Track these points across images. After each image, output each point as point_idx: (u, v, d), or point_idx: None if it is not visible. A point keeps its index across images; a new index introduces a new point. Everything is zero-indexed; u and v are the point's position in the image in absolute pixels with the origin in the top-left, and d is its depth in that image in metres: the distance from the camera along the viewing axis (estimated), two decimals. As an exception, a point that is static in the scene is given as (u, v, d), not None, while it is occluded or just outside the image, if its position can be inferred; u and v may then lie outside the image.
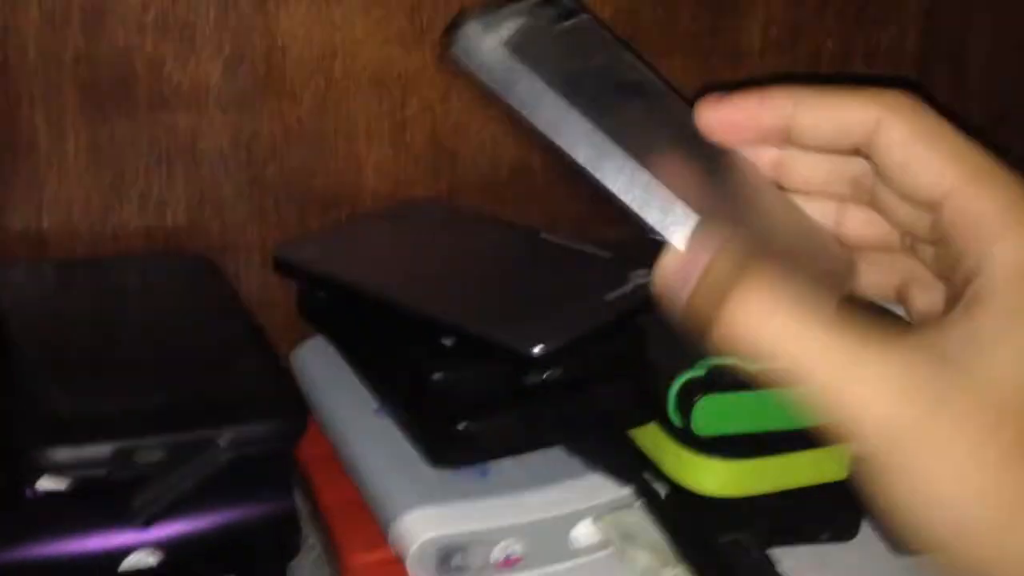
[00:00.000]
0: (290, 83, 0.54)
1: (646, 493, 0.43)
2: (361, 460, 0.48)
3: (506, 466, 0.46)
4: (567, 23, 0.29)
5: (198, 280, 0.50)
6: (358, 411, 0.50)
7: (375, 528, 0.45)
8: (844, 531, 0.50)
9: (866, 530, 0.51)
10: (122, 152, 0.52)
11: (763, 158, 0.31)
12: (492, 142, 0.58)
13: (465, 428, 0.44)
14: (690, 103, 0.30)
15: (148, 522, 0.38)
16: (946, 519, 0.25)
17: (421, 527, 0.43)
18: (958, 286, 0.27)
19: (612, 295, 0.47)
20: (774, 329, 0.26)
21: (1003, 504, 0.25)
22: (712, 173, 0.30)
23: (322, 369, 0.53)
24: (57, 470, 0.37)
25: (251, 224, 0.55)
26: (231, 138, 0.54)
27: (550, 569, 0.46)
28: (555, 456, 0.46)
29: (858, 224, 0.31)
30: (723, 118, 0.30)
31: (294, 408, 0.41)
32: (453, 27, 0.27)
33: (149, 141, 0.52)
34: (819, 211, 0.31)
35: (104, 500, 0.38)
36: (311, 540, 0.48)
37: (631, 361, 0.48)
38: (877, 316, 0.27)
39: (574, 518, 0.45)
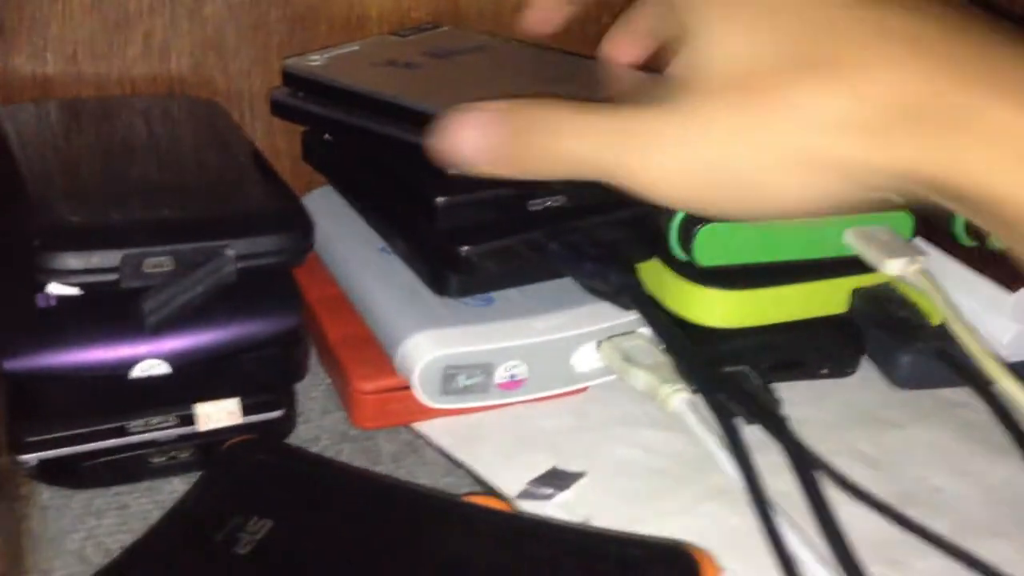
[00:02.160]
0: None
1: (649, 314, 0.44)
2: (367, 294, 0.49)
3: (510, 294, 0.47)
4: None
5: (205, 119, 0.50)
6: (364, 251, 0.51)
7: (382, 358, 0.46)
8: (843, 366, 0.51)
9: (865, 366, 0.52)
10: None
11: None
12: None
13: (468, 254, 0.44)
14: None
15: (156, 328, 0.39)
16: None
17: (425, 348, 0.44)
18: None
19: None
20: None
21: None
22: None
23: (329, 216, 0.53)
24: (68, 275, 0.38)
25: (255, 70, 0.55)
26: (234, -19, 0.54)
27: (553, 392, 0.47)
28: (558, 285, 0.47)
29: None
30: None
31: (302, 223, 0.42)
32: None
33: (152, -18, 0.52)
34: None
35: (114, 309, 0.39)
36: (321, 375, 0.49)
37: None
38: None
39: (576, 341, 0.46)
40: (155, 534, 0.36)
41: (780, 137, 0.30)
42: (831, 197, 0.31)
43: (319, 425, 0.47)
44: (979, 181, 0.28)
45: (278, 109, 0.50)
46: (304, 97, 0.49)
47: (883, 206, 0.46)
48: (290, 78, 0.49)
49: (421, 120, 0.39)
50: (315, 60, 0.50)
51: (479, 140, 0.35)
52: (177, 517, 0.37)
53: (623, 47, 0.46)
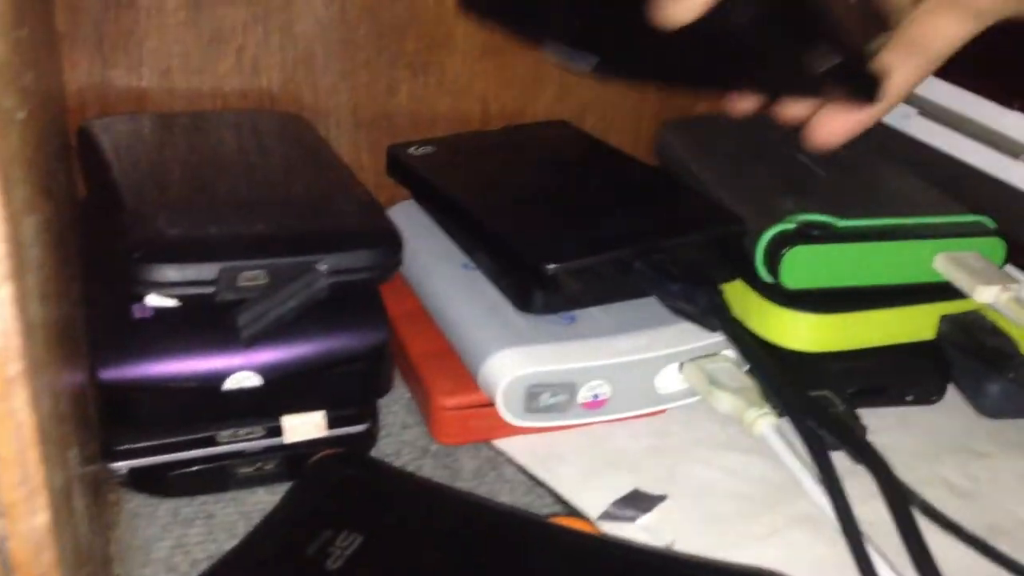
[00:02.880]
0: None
1: (736, 336, 0.44)
2: (450, 310, 0.49)
3: (594, 313, 0.47)
4: None
5: (294, 134, 0.51)
6: (447, 267, 0.51)
7: (464, 374, 0.46)
8: (929, 393, 0.50)
9: (951, 393, 0.51)
10: (220, 9, 0.53)
11: None
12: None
13: (554, 271, 0.44)
14: None
15: (250, 341, 0.39)
16: None
17: (510, 366, 0.44)
18: None
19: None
20: None
21: None
22: None
23: (411, 231, 0.54)
24: (165, 287, 0.39)
25: (343, 85, 0.56)
26: (325, -1, 0.54)
27: (636, 412, 0.47)
28: (642, 305, 0.47)
29: None
30: None
31: (391, 240, 0.42)
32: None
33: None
34: None
35: (209, 322, 0.40)
36: (401, 390, 0.50)
37: (721, 215, 0.49)
38: None
39: (660, 362, 0.46)
40: (248, 546, 0.37)
41: None
42: None
43: (400, 439, 0.47)
44: None
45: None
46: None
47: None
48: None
49: None
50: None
51: None
52: (269, 529, 0.37)
53: None
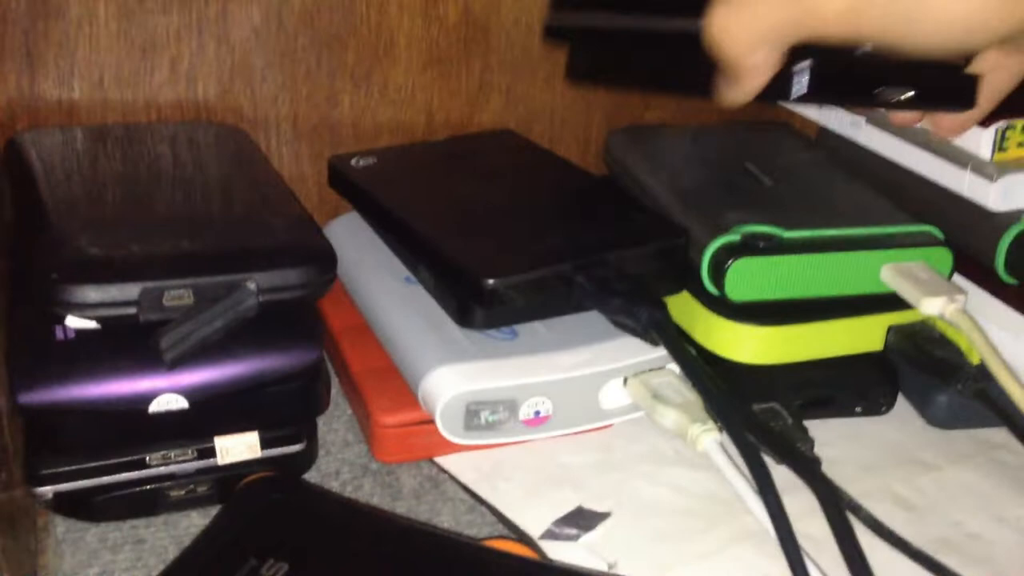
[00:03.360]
0: (322, -49, 0.53)
1: (677, 351, 0.43)
2: (391, 325, 0.48)
3: (535, 328, 0.46)
4: None
5: (229, 146, 0.50)
6: (389, 280, 0.50)
7: (405, 391, 0.46)
8: (878, 405, 0.49)
9: (901, 404, 0.50)
10: (153, 19, 0.52)
11: None
12: (525, 18, 0.57)
13: (495, 286, 0.43)
14: None
15: (174, 363, 0.38)
16: None
17: (449, 383, 0.43)
18: None
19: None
20: None
21: None
22: None
23: (353, 243, 0.53)
24: (86, 308, 0.37)
25: (283, 96, 0.55)
26: (262, 8, 0.53)
27: (579, 428, 0.46)
28: (585, 319, 0.46)
29: None
30: None
31: (324, 257, 0.41)
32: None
33: (179, 8, 0.52)
34: None
35: (133, 343, 0.39)
36: (344, 407, 0.49)
37: (665, 227, 0.48)
38: None
39: (603, 378, 0.45)
40: (170, 574, 0.35)
41: None
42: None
43: (340, 457, 0.46)
44: None
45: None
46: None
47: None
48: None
49: None
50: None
51: None
52: (193, 557, 0.36)
53: None
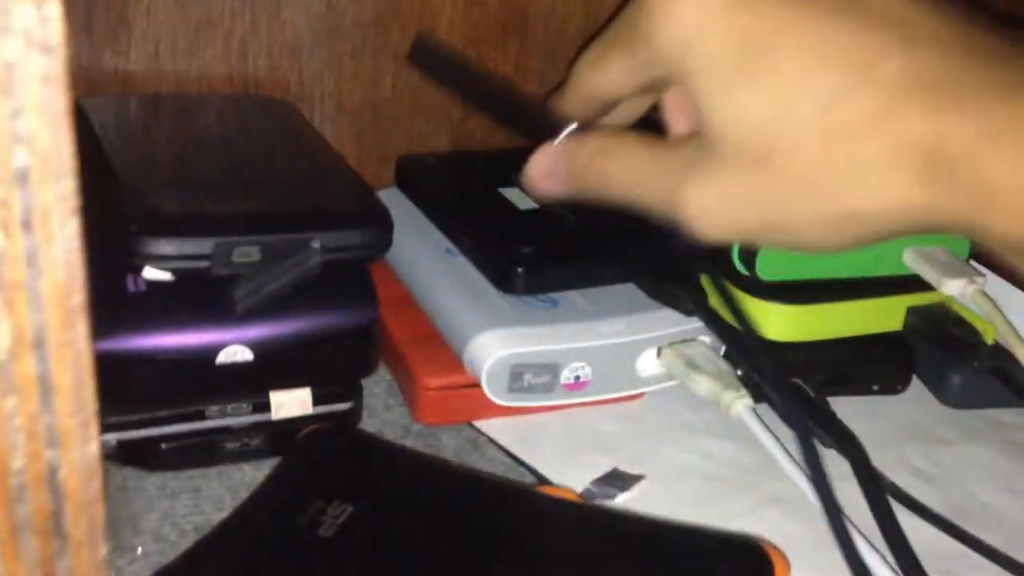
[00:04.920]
0: (371, -64, 0.55)
1: (714, 323, 0.45)
2: (435, 293, 0.50)
3: (575, 298, 0.48)
4: None
5: (283, 118, 0.52)
6: (431, 252, 0.52)
7: (446, 356, 0.47)
8: (894, 384, 0.52)
9: (916, 386, 0.53)
10: (209, -6, 0.54)
11: None
12: (561, 5, 0.60)
13: (533, 253, 0.45)
14: None
15: (245, 314, 0.40)
16: None
17: (494, 347, 0.45)
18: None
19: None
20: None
21: None
22: None
23: (395, 215, 0.54)
24: (161, 260, 0.39)
25: (328, 73, 0.57)
26: (312, -14, 0.55)
27: (616, 394, 0.48)
28: (622, 290, 0.48)
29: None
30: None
31: (383, 220, 0.43)
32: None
33: (235, -15, 0.54)
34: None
35: (202, 296, 0.40)
36: (383, 373, 0.51)
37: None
38: None
39: (640, 346, 0.47)
40: (240, 516, 0.37)
41: (825, 195, 0.32)
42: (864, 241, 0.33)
43: (383, 419, 0.48)
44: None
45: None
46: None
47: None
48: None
49: None
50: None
51: (548, 166, 0.39)
52: (261, 500, 0.38)
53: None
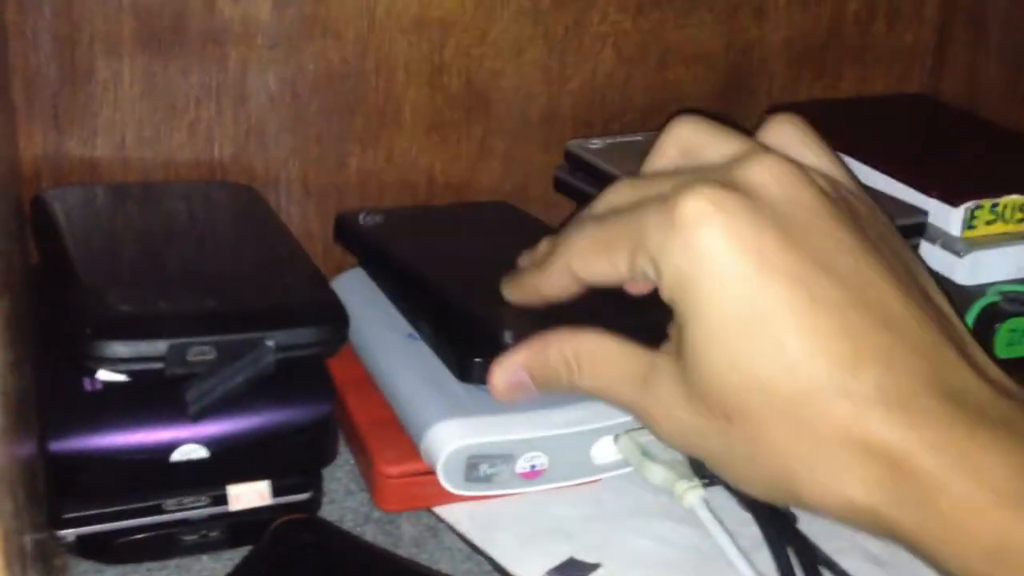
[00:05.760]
0: (335, 23, 0.56)
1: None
2: (395, 378, 0.50)
3: (532, 386, 0.49)
4: None
5: (244, 205, 0.53)
6: (393, 335, 0.52)
7: (406, 442, 0.48)
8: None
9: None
10: (174, 83, 0.55)
11: None
12: (524, 88, 0.61)
13: (508, 345, 0.46)
14: None
15: (198, 416, 0.41)
16: None
17: (450, 437, 0.46)
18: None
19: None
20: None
21: None
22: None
23: (358, 299, 0.55)
24: (116, 363, 0.40)
25: (293, 159, 0.58)
26: (277, 75, 0.56)
27: (572, 482, 0.48)
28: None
29: None
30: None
31: (338, 317, 0.44)
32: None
33: (200, 74, 0.55)
34: None
35: (158, 395, 0.41)
36: (346, 456, 0.51)
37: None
38: None
39: (594, 435, 0.47)
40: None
41: (778, 470, 0.34)
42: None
43: (343, 506, 0.48)
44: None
45: (559, 186, 0.57)
46: (582, 177, 0.55)
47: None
48: (569, 158, 0.56)
49: None
50: (595, 145, 0.55)
51: (512, 379, 0.42)
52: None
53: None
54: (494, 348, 0.46)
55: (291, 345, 0.42)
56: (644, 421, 0.37)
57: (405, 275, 0.52)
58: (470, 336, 0.47)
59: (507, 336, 0.46)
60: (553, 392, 0.40)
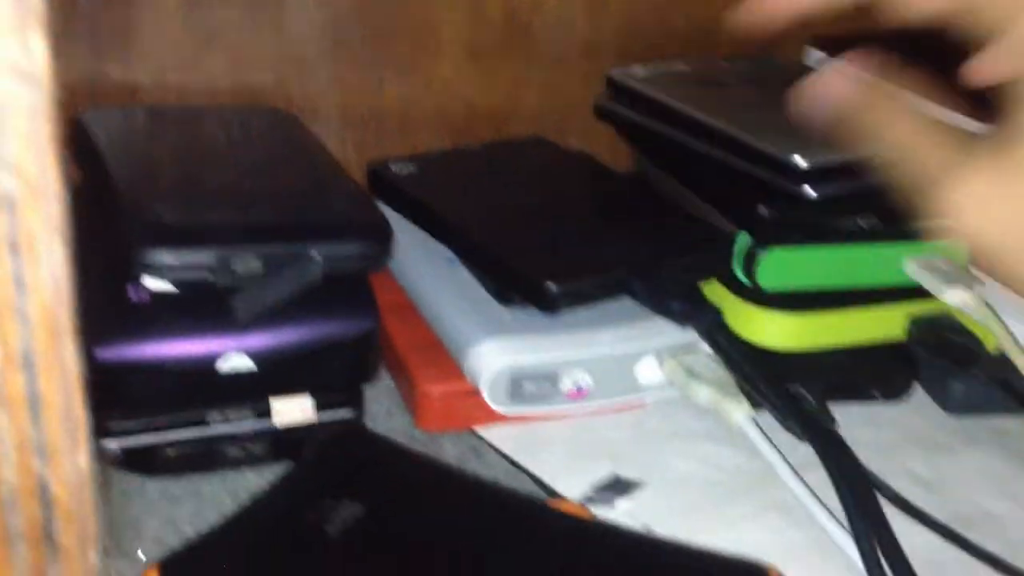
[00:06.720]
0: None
1: (712, 332, 0.45)
2: (437, 300, 0.50)
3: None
4: None
5: (286, 129, 0.52)
6: (433, 260, 0.52)
7: (447, 363, 0.48)
8: (895, 390, 0.52)
9: (918, 394, 0.53)
10: (215, 8, 0.54)
11: None
12: (566, 17, 0.60)
13: (557, 291, 0.45)
14: None
15: (246, 326, 0.40)
16: None
17: (496, 356, 0.45)
18: None
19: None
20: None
21: None
22: None
23: (396, 224, 0.55)
24: (164, 271, 0.40)
25: (332, 85, 0.57)
26: (317, 1, 0.56)
27: (616, 401, 0.48)
28: (621, 301, 0.48)
29: None
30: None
31: (383, 232, 0.44)
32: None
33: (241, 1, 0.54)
34: None
35: (204, 306, 0.41)
36: (386, 380, 0.51)
37: (709, 231, 0.51)
38: None
39: (638, 355, 0.47)
40: (250, 509, 0.38)
41: None
42: None
43: (385, 426, 0.48)
44: None
45: (601, 114, 0.57)
46: (625, 104, 0.55)
47: None
48: (612, 85, 0.56)
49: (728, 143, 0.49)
50: (639, 73, 0.55)
51: (836, 84, 0.37)
52: (273, 496, 0.38)
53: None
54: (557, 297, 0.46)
55: (337, 258, 0.42)
56: (945, 196, 0.32)
57: (455, 226, 0.52)
58: (532, 284, 0.46)
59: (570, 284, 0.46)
60: (857, 125, 0.36)
